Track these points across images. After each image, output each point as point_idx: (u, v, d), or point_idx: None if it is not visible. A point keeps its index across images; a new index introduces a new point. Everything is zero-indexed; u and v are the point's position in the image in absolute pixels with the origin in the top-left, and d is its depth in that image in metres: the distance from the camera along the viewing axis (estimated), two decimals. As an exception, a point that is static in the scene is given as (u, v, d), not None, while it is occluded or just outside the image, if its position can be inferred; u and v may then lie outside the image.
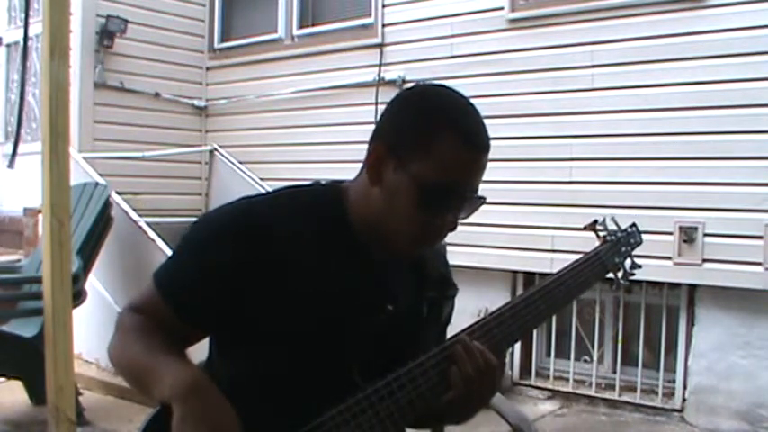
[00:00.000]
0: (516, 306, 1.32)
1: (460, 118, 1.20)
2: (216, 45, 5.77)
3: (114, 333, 1.23)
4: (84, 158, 4.65)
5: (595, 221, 1.57)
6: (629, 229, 1.62)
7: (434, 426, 1.53)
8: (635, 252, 1.61)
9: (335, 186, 1.29)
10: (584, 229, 1.57)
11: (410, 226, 1.20)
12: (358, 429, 1.15)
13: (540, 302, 1.35)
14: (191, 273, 1.21)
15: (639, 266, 1.58)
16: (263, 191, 3.35)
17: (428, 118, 1.19)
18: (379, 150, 1.19)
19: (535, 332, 4.27)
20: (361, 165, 1.27)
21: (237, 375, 1.21)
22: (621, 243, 1.58)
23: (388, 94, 4.53)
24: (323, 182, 1.32)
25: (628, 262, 1.59)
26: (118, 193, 4.37)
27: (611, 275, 1.56)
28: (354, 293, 1.22)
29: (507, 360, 4.25)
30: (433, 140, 1.17)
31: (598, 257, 1.51)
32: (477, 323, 1.28)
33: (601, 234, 1.56)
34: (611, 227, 1.59)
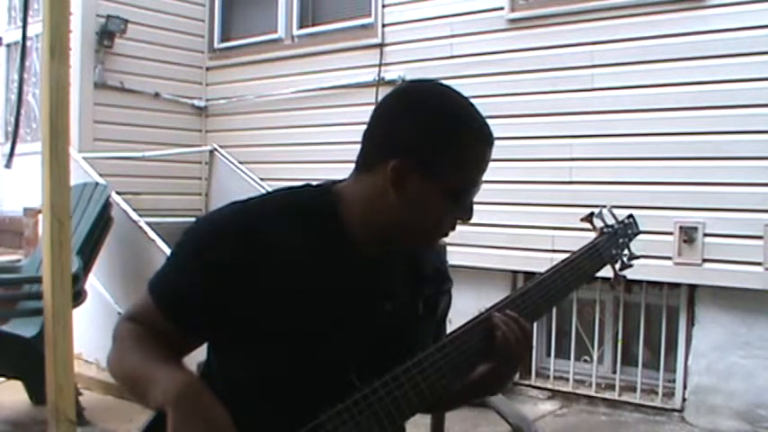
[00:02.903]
0: (514, 301, 1.32)
1: (475, 121, 1.23)
2: (216, 45, 5.77)
3: (112, 344, 1.24)
4: (84, 158, 4.65)
5: (592, 213, 1.56)
6: (627, 220, 1.61)
7: (438, 411, 1.53)
8: (634, 244, 1.61)
9: (328, 187, 1.29)
10: (582, 221, 1.57)
11: (437, 227, 1.24)
12: (357, 429, 1.15)
13: (538, 297, 1.35)
14: (186, 276, 1.20)
15: (638, 257, 1.58)
16: (263, 191, 3.35)
17: (450, 129, 1.20)
18: (402, 165, 1.18)
19: (535, 332, 4.24)
20: (354, 165, 1.27)
21: (235, 377, 1.21)
22: (619, 234, 1.57)
23: (388, 94, 4.53)
24: (314, 183, 1.32)
25: (626, 253, 1.58)
26: (118, 193, 4.37)
27: (608, 270, 1.55)
28: (352, 293, 1.23)
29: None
30: (461, 151, 1.19)
31: (595, 249, 1.50)
32: (474, 318, 1.28)
33: (597, 226, 1.56)
34: (609, 219, 1.58)
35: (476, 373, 1.30)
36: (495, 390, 1.37)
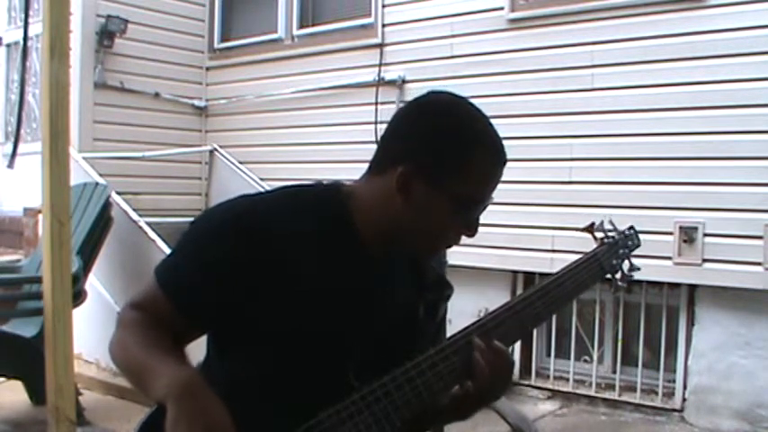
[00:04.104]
0: (514, 307, 1.32)
1: (488, 135, 1.24)
2: (216, 45, 5.77)
3: (115, 330, 1.24)
4: (84, 158, 4.65)
5: (593, 224, 1.57)
6: (627, 232, 1.61)
7: (432, 425, 1.53)
8: (634, 253, 1.61)
9: (338, 187, 1.29)
10: (583, 231, 1.57)
11: (439, 235, 1.26)
12: (354, 429, 1.15)
13: (539, 303, 1.35)
14: (190, 268, 1.21)
15: (638, 269, 1.58)
16: (263, 191, 3.35)
17: (460, 138, 1.21)
18: (410, 171, 1.20)
19: (535, 332, 4.26)
20: (367, 165, 1.27)
21: (235, 375, 1.21)
22: (619, 245, 1.57)
23: (388, 94, 4.53)
24: (325, 182, 1.32)
25: (626, 264, 1.58)
26: (118, 193, 4.37)
27: (609, 277, 1.56)
28: (354, 293, 1.23)
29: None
30: (469, 161, 1.20)
31: (596, 259, 1.50)
32: (474, 324, 1.28)
33: (598, 236, 1.56)
34: (609, 229, 1.59)
35: (458, 391, 1.28)
36: (486, 403, 1.35)
